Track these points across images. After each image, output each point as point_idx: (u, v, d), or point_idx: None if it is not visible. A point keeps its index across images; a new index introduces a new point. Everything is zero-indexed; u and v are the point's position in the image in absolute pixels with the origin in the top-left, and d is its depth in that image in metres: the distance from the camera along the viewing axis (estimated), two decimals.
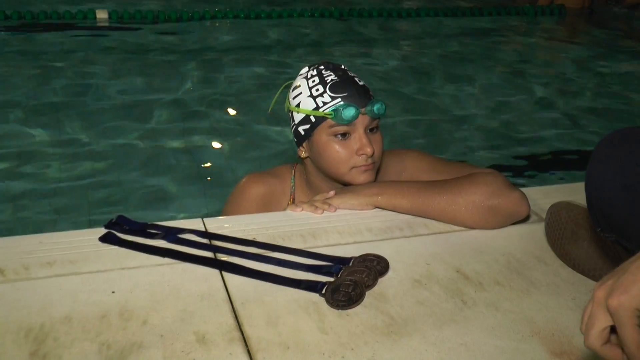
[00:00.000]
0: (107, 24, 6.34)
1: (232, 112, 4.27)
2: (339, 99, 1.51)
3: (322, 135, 1.54)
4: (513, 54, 6.25)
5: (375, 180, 1.61)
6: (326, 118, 1.52)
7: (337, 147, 1.53)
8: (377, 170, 1.59)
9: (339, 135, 1.52)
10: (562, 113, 4.51)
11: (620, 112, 4.60)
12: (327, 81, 1.53)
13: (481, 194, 1.44)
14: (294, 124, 1.60)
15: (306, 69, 1.60)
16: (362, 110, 1.51)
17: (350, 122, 1.50)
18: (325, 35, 6.48)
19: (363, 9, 7.35)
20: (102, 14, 6.41)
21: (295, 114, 1.58)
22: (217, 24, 6.66)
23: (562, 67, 5.86)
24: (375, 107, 1.51)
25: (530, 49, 6.53)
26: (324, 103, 1.52)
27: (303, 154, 1.62)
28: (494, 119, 4.35)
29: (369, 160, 1.53)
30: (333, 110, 1.50)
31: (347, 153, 1.53)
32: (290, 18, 6.89)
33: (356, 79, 1.56)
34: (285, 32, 6.42)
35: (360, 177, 1.55)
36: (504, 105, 4.64)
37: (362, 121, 1.52)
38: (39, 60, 5.10)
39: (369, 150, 1.51)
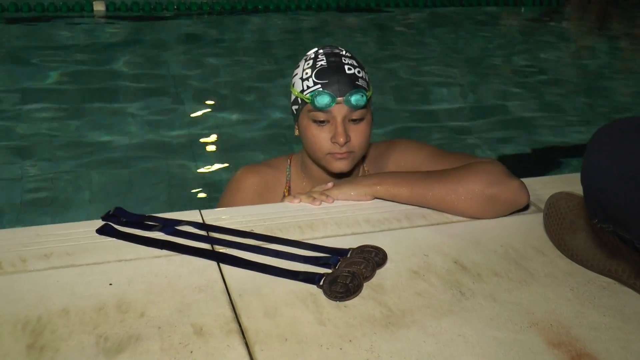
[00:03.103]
0: (104, 15, 6.32)
1: (232, 104, 4.26)
2: (319, 86, 1.53)
3: (304, 118, 1.58)
4: (510, 43, 6.23)
5: (352, 170, 1.64)
6: (307, 102, 1.54)
7: (314, 131, 1.56)
8: (357, 160, 1.61)
9: (317, 122, 1.55)
10: (561, 103, 4.51)
11: (621, 102, 4.60)
12: (317, 66, 1.55)
13: (481, 183, 1.43)
14: (290, 102, 1.63)
15: (314, 49, 1.62)
16: (340, 99, 1.52)
17: (323, 109, 1.52)
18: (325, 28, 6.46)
19: (361, 0, 7.34)
20: (99, 6, 6.38)
21: (291, 92, 1.62)
22: (215, 16, 6.64)
23: (561, 56, 5.85)
24: (353, 98, 1.51)
25: (528, 38, 6.51)
26: (308, 87, 1.54)
27: (296, 132, 1.66)
28: (491, 110, 4.34)
29: (344, 149, 1.55)
30: (311, 95, 1.53)
31: (322, 139, 1.56)
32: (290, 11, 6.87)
33: (347, 66, 1.55)
34: (285, 26, 6.40)
35: (335, 164, 1.58)
36: (502, 95, 4.63)
37: (340, 110, 1.53)
38: (36, 52, 5.08)
39: (341, 139, 1.52)
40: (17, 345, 1.03)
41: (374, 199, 1.54)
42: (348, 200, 1.54)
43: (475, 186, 1.44)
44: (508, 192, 1.44)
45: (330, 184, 1.58)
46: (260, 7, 6.83)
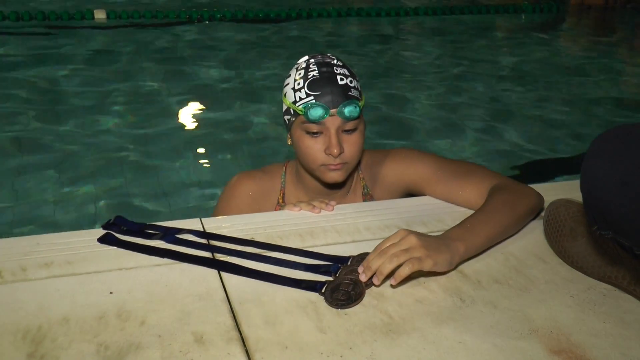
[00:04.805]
0: (105, 23, 6.34)
1: (231, 112, 4.27)
2: (312, 97, 1.51)
3: (297, 129, 1.56)
4: (509, 50, 6.25)
5: (347, 179, 1.63)
6: (300, 114, 1.53)
7: (308, 142, 1.55)
8: (351, 170, 1.60)
9: (310, 133, 1.54)
10: (560, 109, 4.51)
11: (620, 109, 4.60)
12: (309, 77, 1.53)
13: (528, 202, 1.46)
14: (283, 111, 1.62)
15: (305, 58, 1.60)
16: (333, 111, 1.50)
17: (317, 121, 1.51)
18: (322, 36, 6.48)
19: (361, 9, 7.36)
20: (100, 14, 6.40)
21: (283, 102, 1.61)
22: (215, 25, 6.65)
23: (560, 62, 5.86)
24: (347, 110, 1.50)
25: (528, 45, 6.52)
26: (300, 99, 1.53)
27: (289, 142, 1.64)
28: (490, 117, 4.34)
29: (337, 160, 1.54)
30: (304, 107, 1.51)
31: (316, 150, 1.54)
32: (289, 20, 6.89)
33: (339, 77, 1.53)
34: (284, 33, 6.43)
35: (329, 175, 1.57)
36: (501, 103, 4.64)
37: (333, 121, 1.51)
38: (36, 60, 5.09)
39: (335, 151, 1.51)
40: (18, 354, 1.03)
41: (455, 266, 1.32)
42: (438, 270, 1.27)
43: (528, 206, 1.45)
44: (541, 201, 1.50)
45: (333, 203, 1.58)
46: (260, 15, 6.85)
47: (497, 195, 1.45)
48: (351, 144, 1.54)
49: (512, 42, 6.79)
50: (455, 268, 1.30)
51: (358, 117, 1.53)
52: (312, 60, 1.57)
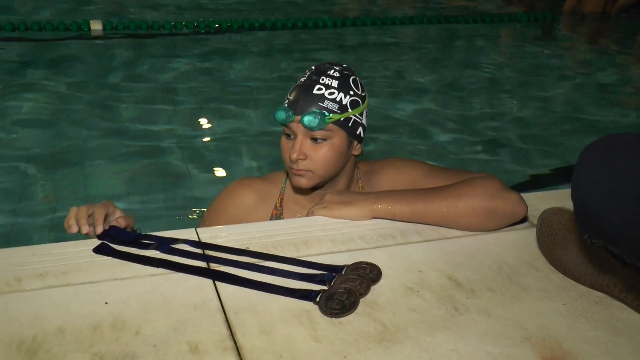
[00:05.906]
0: (101, 35, 6.35)
1: (231, 120, 4.28)
2: (287, 101, 1.58)
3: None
4: (504, 60, 6.27)
5: (315, 188, 1.66)
6: None
7: (283, 143, 1.62)
8: (320, 180, 1.62)
9: (285, 134, 1.61)
10: (553, 118, 4.54)
11: (612, 118, 4.63)
12: (297, 82, 1.60)
13: (480, 197, 1.45)
14: None
15: (318, 64, 1.64)
16: (297, 117, 1.55)
17: (281, 123, 1.58)
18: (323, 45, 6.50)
19: (357, 18, 7.38)
20: (96, 25, 6.41)
21: None
22: (211, 34, 6.67)
23: (555, 71, 5.89)
24: (306, 119, 1.53)
25: (523, 54, 6.55)
26: (284, 100, 1.59)
27: None
28: (485, 126, 4.36)
29: (299, 166, 1.58)
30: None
31: (285, 151, 1.61)
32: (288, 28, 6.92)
33: (319, 86, 1.55)
34: (281, 42, 6.45)
35: (293, 178, 1.62)
36: (496, 112, 4.66)
37: (297, 127, 1.56)
38: (32, 71, 5.09)
39: (293, 155, 1.56)
40: None
41: (372, 218, 1.55)
42: (348, 219, 1.55)
43: (476, 200, 1.45)
44: (507, 205, 1.46)
45: (326, 196, 1.59)
46: (256, 24, 6.87)
47: (462, 182, 1.49)
48: (316, 154, 1.58)
49: (508, 51, 6.83)
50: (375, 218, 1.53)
51: (320, 129, 1.54)
52: (314, 67, 1.62)
